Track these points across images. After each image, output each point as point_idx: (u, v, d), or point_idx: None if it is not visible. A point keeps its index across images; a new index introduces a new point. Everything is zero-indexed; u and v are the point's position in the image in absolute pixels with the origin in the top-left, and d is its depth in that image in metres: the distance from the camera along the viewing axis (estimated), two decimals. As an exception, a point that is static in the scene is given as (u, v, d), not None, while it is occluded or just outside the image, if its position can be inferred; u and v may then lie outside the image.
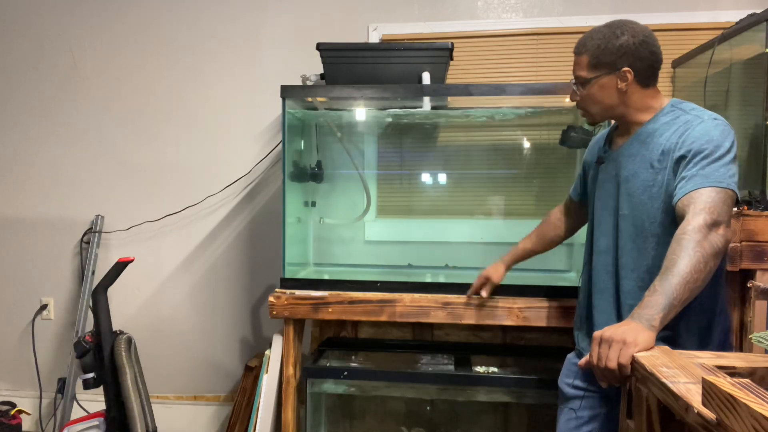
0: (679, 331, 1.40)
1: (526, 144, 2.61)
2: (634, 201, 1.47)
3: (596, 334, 1.25)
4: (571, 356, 1.73)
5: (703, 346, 1.42)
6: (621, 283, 1.51)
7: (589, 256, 1.65)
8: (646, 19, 2.49)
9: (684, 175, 1.35)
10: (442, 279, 2.49)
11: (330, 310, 2.13)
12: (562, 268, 2.46)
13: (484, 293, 1.99)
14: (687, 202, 1.31)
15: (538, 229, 1.95)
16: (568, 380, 1.68)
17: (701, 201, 1.29)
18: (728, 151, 1.35)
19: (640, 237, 1.47)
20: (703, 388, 0.83)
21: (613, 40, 1.46)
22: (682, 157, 1.37)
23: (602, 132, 1.74)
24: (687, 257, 1.23)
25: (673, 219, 1.39)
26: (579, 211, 1.86)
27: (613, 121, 1.64)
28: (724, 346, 1.47)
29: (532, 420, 2.38)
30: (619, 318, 1.51)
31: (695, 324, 1.42)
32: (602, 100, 1.51)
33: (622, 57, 1.45)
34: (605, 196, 1.57)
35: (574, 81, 1.55)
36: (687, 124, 1.40)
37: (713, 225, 1.27)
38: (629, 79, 1.46)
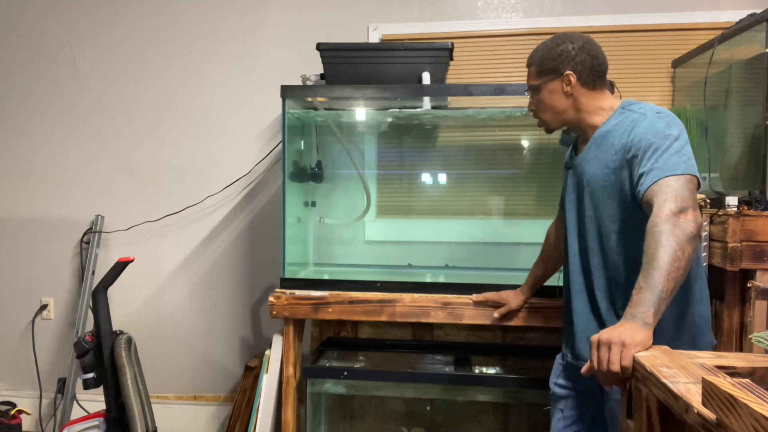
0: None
1: (526, 144, 2.61)
2: (595, 202, 1.53)
3: (593, 338, 1.25)
4: (559, 357, 1.75)
5: (677, 334, 1.45)
6: (593, 283, 1.55)
7: (566, 259, 1.68)
8: (646, 19, 2.52)
9: (641, 172, 1.39)
10: (442, 279, 2.49)
11: (330, 310, 2.13)
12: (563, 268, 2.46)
13: (497, 314, 2.02)
14: (650, 196, 1.34)
15: (541, 253, 1.97)
16: (554, 380, 1.72)
17: (662, 192, 1.32)
18: (676, 139, 1.39)
19: (604, 236, 1.52)
20: (703, 388, 0.83)
21: (554, 48, 1.57)
22: (634, 156, 1.42)
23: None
24: (663, 249, 1.25)
25: (631, 216, 1.44)
26: None
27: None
28: (701, 336, 1.49)
29: (532, 420, 2.37)
30: (596, 317, 1.55)
31: (668, 314, 1.40)
32: (553, 105, 1.59)
33: (563, 62, 1.55)
34: (572, 200, 1.62)
35: (528, 92, 1.65)
36: (633, 123, 1.46)
37: (680, 212, 1.29)
38: (573, 81, 1.55)
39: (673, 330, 1.45)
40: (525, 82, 1.66)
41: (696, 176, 1.37)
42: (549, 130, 1.67)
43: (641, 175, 1.38)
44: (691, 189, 1.34)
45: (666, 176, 1.34)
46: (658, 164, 1.36)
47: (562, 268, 1.75)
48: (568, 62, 1.55)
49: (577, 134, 1.68)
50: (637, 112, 1.47)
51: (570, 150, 1.71)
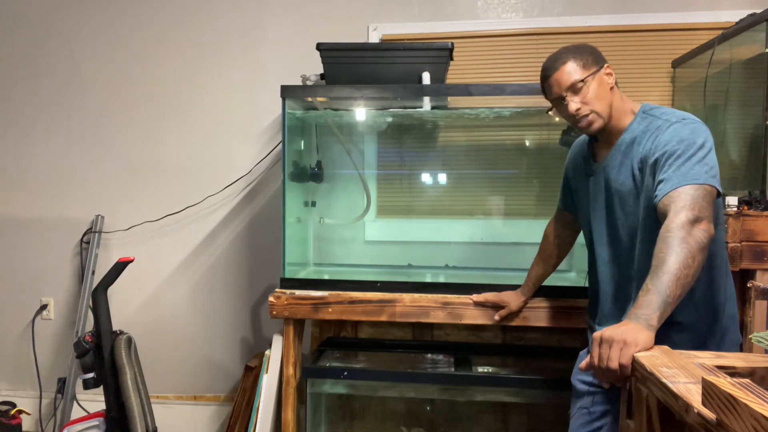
0: (690, 319, 1.45)
1: (526, 144, 2.61)
2: (626, 209, 1.52)
3: (596, 335, 1.26)
4: (583, 353, 1.74)
5: (711, 332, 1.47)
6: (625, 290, 1.54)
7: (593, 267, 1.67)
8: (646, 19, 2.52)
9: (661, 178, 1.38)
10: (442, 279, 2.49)
11: (330, 310, 2.13)
12: (563, 268, 2.45)
13: (497, 317, 2.01)
14: (667, 202, 1.34)
15: (540, 252, 1.96)
16: (580, 377, 1.69)
17: (681, 199, 1.32)
18: (701, 148, 1.38)
19: (636, 243, 1.50)
20: (703, 388, 0.83)
21: (585, 47, 1.55)
22: (657, 162, 1.41)
23: (575, 146, 1.76)
24: (674, 254, 1.26)
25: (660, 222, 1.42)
26: (573, 221, 1.87)
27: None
28: (729, 332, 1.50)
29: (532, 420, 2.37)
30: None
31: (704, 312, 1.46)
32: (604, 95, 1.51)
33: (599, 57, 1.54)
34: (599, 207, 1.60)
35: (563, 96, 1.52)
36: (658, 129, 1.45)
37: (695, 221, 1.29)
38: (613, 75, 1.54)
39: (709, 327, 1.47)
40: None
41: (716, 188, 1.36)
42: (600, 127, 1.53)
43: (661, 181, 1.37)
44: (708, 201, 1.33)
45: (686, 185, 1.33)
46: (679, 172, 1.35)
47: (587, 271, 1.74)
48: (602, 58, 1.54)
49: (591, 139, 1.65)
50: (662, 118, 1.46)
51: (585, 156, 1.67)
